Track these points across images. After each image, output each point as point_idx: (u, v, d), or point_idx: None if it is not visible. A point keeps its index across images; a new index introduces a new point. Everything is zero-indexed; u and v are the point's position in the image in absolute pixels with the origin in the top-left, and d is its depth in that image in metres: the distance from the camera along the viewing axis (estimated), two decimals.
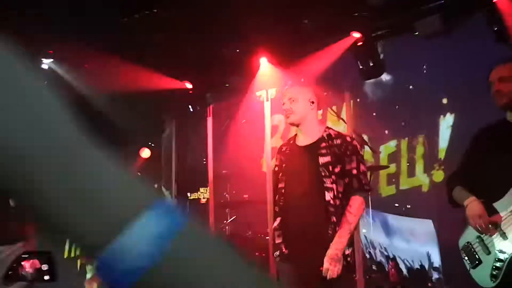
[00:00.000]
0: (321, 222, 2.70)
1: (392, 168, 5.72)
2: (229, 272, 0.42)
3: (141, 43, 5.28)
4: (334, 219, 2.69)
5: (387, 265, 5.40)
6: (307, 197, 2.75)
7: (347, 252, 2.69)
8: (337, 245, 2.63)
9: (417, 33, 4.55)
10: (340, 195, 2.72)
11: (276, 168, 2.98)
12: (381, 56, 5.38)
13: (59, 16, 5.00)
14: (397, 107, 5.68)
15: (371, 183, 4.75)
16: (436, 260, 5.08)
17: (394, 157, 5.84)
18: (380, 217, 5.58)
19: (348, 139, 2.84)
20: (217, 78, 6.26)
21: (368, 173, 4.72)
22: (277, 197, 2.90)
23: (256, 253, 5.13)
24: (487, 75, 2.72)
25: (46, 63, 6.05)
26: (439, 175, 5.45)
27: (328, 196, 2.70)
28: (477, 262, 2.62)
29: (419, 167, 5.71)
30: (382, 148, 5.85)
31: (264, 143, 6.22)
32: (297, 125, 2.91)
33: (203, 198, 6.26)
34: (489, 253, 2.57)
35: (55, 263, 1.12)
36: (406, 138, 5.79)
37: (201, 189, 6.28)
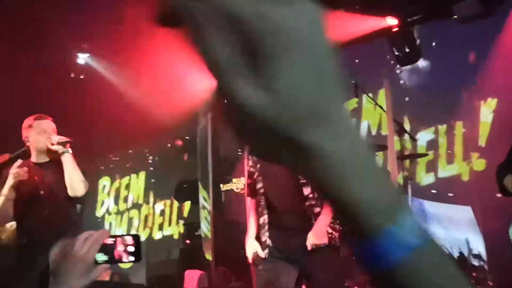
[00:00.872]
0: (304, 217, 2.80)
1: (431, 155, 5.60)
2: None
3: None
4: (317, 210, 2.79)
5: None
6: (287, 196, 2.83)
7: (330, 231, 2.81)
8: (321, 221, 2.75)
9: (455, 17, 4.42)
10: None
11: (251, 169, 3.03)
12: (418, 41, 5.26)
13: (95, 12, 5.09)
14: (435, 93, 5.53)
15: (409, 170, 4.66)
16: (477, 248, 4.96)
17: (432, 144, 5.71)
18: (417, 204, 5.48)
19: None
20: None
21: (407, 161, 4.66)
22: (257, 197, 2.98)
23: None
24: None
25: (82, 57, 6.18)
26: (479, 164, 5.30)
27: (306, 191, 2.79)
28: None
29: (458, 154, 5.57)
30: (420, 135, 5.72)
31: None
32: None
33: (236, 188, 6.28)
34: None
35: (141, 244, 1.22)
36: (445, 125, 5.65)
37: (234, 180, 6.32)
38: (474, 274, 4.28)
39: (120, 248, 1.20)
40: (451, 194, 5.51)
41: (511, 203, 2.60)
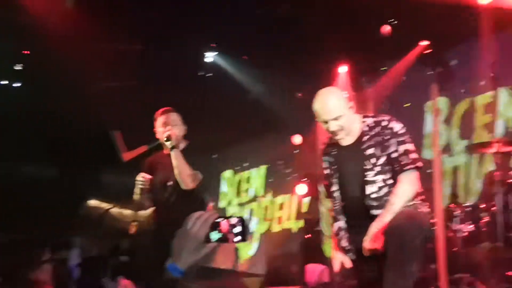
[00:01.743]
0: (362, 218, 2.64)
1: None
2: None
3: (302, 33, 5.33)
4: (376, 212, 2.60)
5: None
6: (356, 195, 2.70)
7: None
8: (376, 224, 2.54)
9: None
10: (387, 182, 2.63)
11: (326, 171, 2.89)
12: None
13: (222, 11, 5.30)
14: None
15: None
16: None
17: None
18: None
19: (385, 123, 2.71)
20: (373, 62, 6.11)
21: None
22: (331, 200, 2.85)
23: None
24: None
25: (210, 56, 6.48)
26: None
27: (369, 189, 2.64)
28: None
29: None
30: None
31: (424, 129, 5.91)
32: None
33: None
34: None
35: (247, 226, 1.32)
36: None
37: None
38: None
39: (227, 228, 1.31)
40: None
41: None
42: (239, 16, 5.40)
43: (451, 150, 5.77)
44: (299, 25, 5.36)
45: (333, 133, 2.71)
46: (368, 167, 2.65)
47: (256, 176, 8.86)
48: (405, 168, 2.59)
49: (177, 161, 3.39)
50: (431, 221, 2.81)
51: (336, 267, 2.79)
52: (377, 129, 2.69)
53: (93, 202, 10.71)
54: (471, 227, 4.12)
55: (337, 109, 2.66)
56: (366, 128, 2.71)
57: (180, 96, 6.14)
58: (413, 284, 2.40)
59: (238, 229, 1.30)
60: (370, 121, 2.73)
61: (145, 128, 3.65)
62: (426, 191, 2.76)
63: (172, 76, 6.37)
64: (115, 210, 9.71)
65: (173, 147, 3.41)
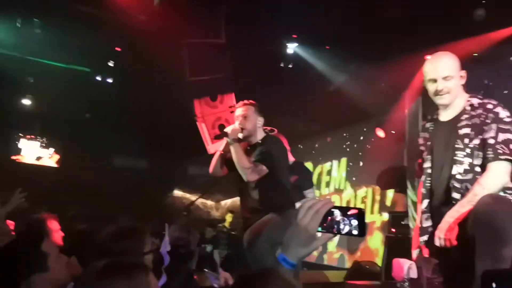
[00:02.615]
0: (443, 201, 2.52)
1: None
2: None
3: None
4: (456, 195, 2.46)
5: None
6: (443, 174, 2.56)
7: None
8: (451, 213, 2.42)
9: None
10: (475, 168, 2.47)
11: (421, 148, 2.77)
12: None
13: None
14: None
15: None
16: None
17: None
18: None
19: (490, 106, 2.52)
20: (463, 49, 5.76)
21: None
22: (423, 178, 2.69)
23: None
24: None
25: (291, 47, 6.47)
26: None
27: (455, 169, 2.49)
28: None
29: None
30: None
31: None
32: (448, 105, 2.64)
33: None
34: None
35: (364, 219, 1.18)
36: None
37: None
38: None
39: (343, 220, 1.18)
40: None
41: None
42: (320, 5, 5.33)
43: None
44: (384, 11, 5.18)
45: (439, 93, 2.60)
46: (459, 146, 2.52)
47: (337, 168, 8.75)
48: (500, 157, 2.42)
49: (235, 154, 3.43)
50: None
51: (414, 254, 2.69)
52: (480, 111, 2.54)
53: (178, 193, 11.18)
54: None
55: (449, 68, 2.60)
56: (469, 108, 2.58)
57: (263, 88, 6.20)
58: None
59: (355, 221, 1.16)
60: (475, 101, 2.59)
61: (231, 120, 3.73)
62: None
63: (255, 68, 6.45)
64: (199, 201, 10.05)
65: (230, 143, 3.46)
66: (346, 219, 1.17)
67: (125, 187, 9.24)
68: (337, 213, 1.18)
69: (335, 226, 1.18)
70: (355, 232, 1.17)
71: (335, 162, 8.84)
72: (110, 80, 7.38)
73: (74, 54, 6.63)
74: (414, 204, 5.42)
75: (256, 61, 6.32)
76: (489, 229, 2.26)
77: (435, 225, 2.53)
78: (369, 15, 5.22)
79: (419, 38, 5.47)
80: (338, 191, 8.62)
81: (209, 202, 11.25)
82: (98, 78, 7.35)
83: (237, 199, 3.90)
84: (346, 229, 1.17)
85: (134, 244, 2.11)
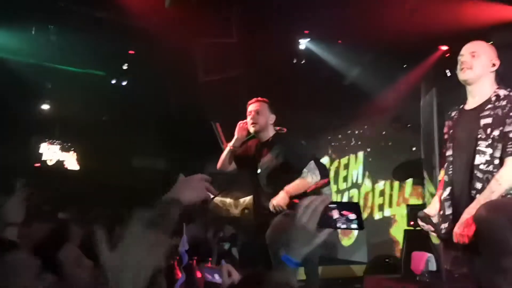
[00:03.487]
0: (465, 189, 2.52)
1: None
2: None
3: None
4: (478, 185, 2.45)
5: None
6: (465, 163, 2.55)
7: None
8: (469, 210, 2.40)
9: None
10: (495, 161, 2.45)
11: (445, 136, 2.76)
12: None
13: None
14: None
15: None
16: None
17: None
18: None
19: None
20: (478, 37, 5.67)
21: None
22: (446, 165, 2.68)
23: None
24: None
25: (303, 43, 6.47)
26: None
27: (478, 159, 2.48)
28: None
29: None
30: None
31: None
32: (469, 84, 2.65)
33: None
34: None
35: (362, 213, 1.21)
36: None
37: None
38: None
39: (341, 215, 1.20)
40: None
41: None
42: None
43: None
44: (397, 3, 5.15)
45: (461, 65, 2.63)
46: (481, 136, 2.50)
47: (354, 162, 8.72)
48: None
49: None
50: None
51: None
52: (504, 102, 2.51)
53: None
54: None
55: (478, 46, 2.64)
56: (494, 98, 2.56)
57: (277, 85, 6.21)
58: None
59: (353, 216, 1.20)
60: (502, 92, 2.57)
61: (244, 117, 3.76)
62: None
63: (268, 65, 6.46)
64: (217, 199, 10.11)
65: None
66: (343, 214, 1.20)
67: (145, 188, 9.36)
68: (334, 208, 1.20)
69: (334, 222, 1.20)
70: (353, 226, 1.20)
71: (352, 156, 8.81)
72: (124, 83, 7.48)
73: (89, 58, 6.74)
74: (433, 196, 5.39)
75: (269, 59, 6.33)
76: (488, 240, 2.27)
77: (455, 214, 2.54)
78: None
79: (432, 30, 5.43)
80: (356, 185, 8.59)
81: (228, 200, 11.30)
82: (113, 81, 7.46)
83: None
84: (345, 223, 1.20)
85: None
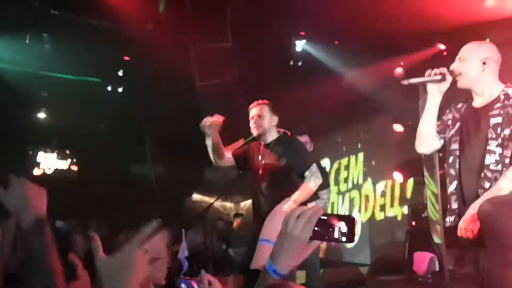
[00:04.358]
0: (473, 188, 2.49)
1: None
2: None
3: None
4: (486, 184, 2.44)
5: None
6: (474, 162, 2.53)
7: None
8: (475, 205, 2.38)
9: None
10: (505, 160, 2.44)
11: (450, 127, 2.71)
12: None
13: None
14: None
15: None
16: None
17: None
18: None
19: None
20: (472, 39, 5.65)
21: None
22: (451, 159, 2.64)
23: None
24: None
25: (299, 45, 6.44)
26: None
27: (489, 159, 2.46)
28: None
29: None
30: None
31: None
32: (468, 88, 2.63)
33: None
34: None
35: (354, 227, 1.16)
36: None
37: None
38: None
39: (332, 227, 1.14)
40: None
41: None
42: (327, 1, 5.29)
43: None
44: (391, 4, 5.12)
45: (454, 72, 2.59)
46: (492, 136, 2.49)
47: (355, 163, 8.68)
48: None
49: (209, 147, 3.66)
50: None
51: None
52: None
53: (197, 197, 11.21)
54: None
55: (466, 50, 2.61)
56: (503, 97, 2.54)
57: (274, 87, 6.18)
58: None
59: (344, 228, 1.14)
60: (511, 91, 2.56)
61: (243, 121, 3.74)
62: None
63: (266, 68, 6.45)
64: (218, 204, 10.06)
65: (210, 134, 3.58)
66: (335, 226, 1.14)
67: (143, 195, 9.31)
68: (327, 220, 1.15)
69: (325, 234, 1.15)
70: (343, 239, 1.14)
71: (352, 157, 8.76)
72: (120, 89, 7.46)
73: (84, 65, 6.72)
74: (434, 195, 5.35)
75: (265, 62, 6.30)
76: (492, 235, 2.26)
77: (461, 209, 2.53)
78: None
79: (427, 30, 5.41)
80: (357, 186, 8.54)
81: (229, 204, 11.25)
82: (109, 88, 7.43)
83: None
84: (336, 236, 1.15)
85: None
